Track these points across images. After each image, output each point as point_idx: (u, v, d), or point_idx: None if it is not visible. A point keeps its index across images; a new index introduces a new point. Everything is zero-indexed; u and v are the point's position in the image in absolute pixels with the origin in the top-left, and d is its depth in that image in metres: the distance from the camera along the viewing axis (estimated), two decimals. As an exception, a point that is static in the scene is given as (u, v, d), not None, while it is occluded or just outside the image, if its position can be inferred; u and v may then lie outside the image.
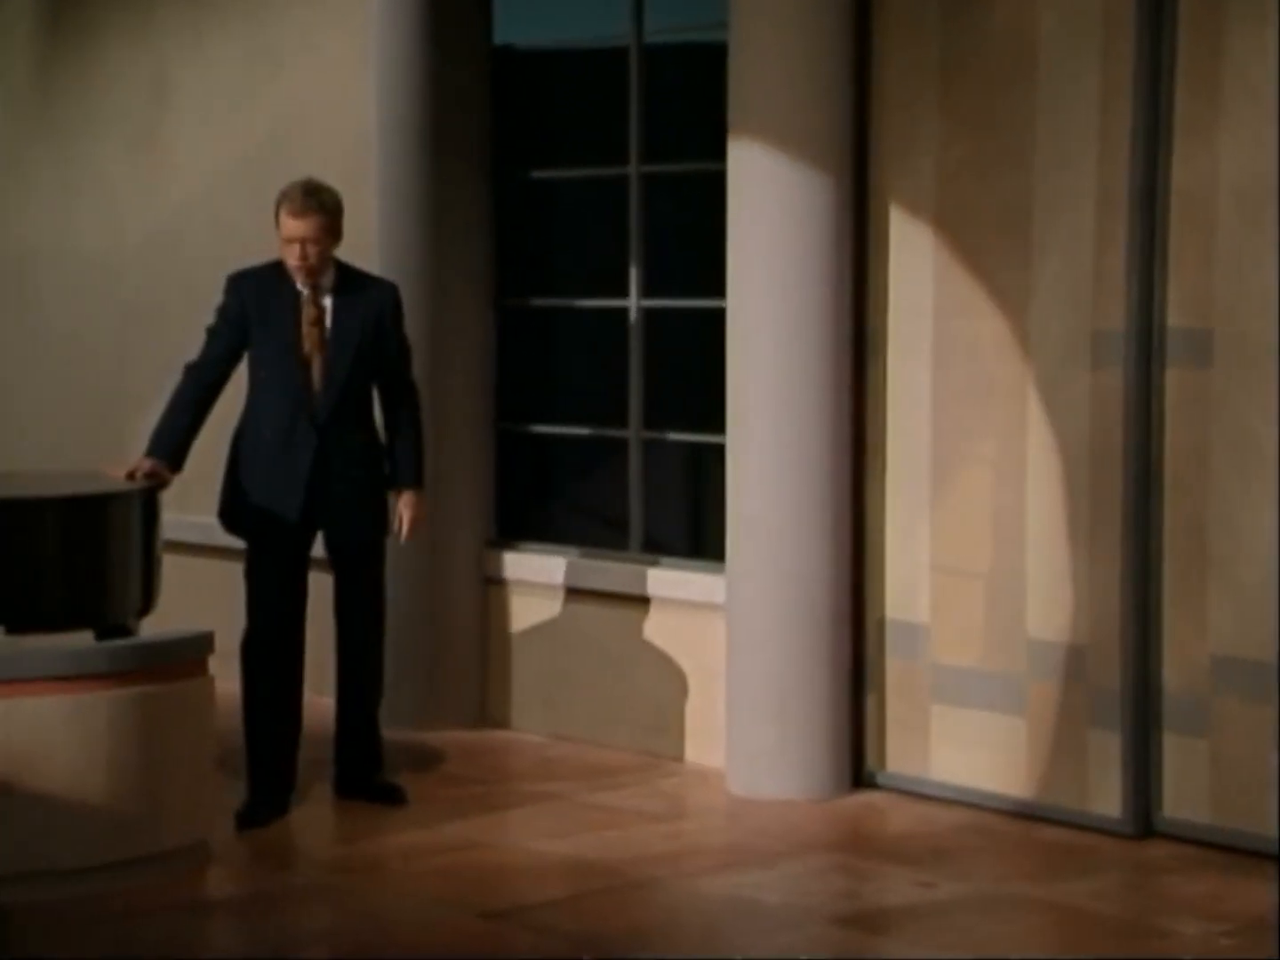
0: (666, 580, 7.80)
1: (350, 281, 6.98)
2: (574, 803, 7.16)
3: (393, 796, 7.11)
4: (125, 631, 6.76)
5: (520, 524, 8.39)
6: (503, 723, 8.25)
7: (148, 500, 6.79)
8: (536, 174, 8.32)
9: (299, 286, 6.90)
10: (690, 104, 7.86)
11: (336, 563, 7.07)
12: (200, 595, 8.35)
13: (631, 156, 7.95)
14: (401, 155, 8.13)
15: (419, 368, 7.24)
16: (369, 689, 7.17)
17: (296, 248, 6.82)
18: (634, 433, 8.02)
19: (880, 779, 7.27)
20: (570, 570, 8.07)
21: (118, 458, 7.31)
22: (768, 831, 6.78)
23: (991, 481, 6.93)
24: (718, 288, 7.32)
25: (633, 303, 7.99)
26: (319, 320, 6.91)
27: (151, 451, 6.89)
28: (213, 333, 6.98)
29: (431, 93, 8.08)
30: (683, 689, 7.75)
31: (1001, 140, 6.83)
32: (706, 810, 7.15)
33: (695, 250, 7.79)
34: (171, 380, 7.02)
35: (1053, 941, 5.80)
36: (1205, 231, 6.43)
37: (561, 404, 8.32)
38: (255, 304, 6.91)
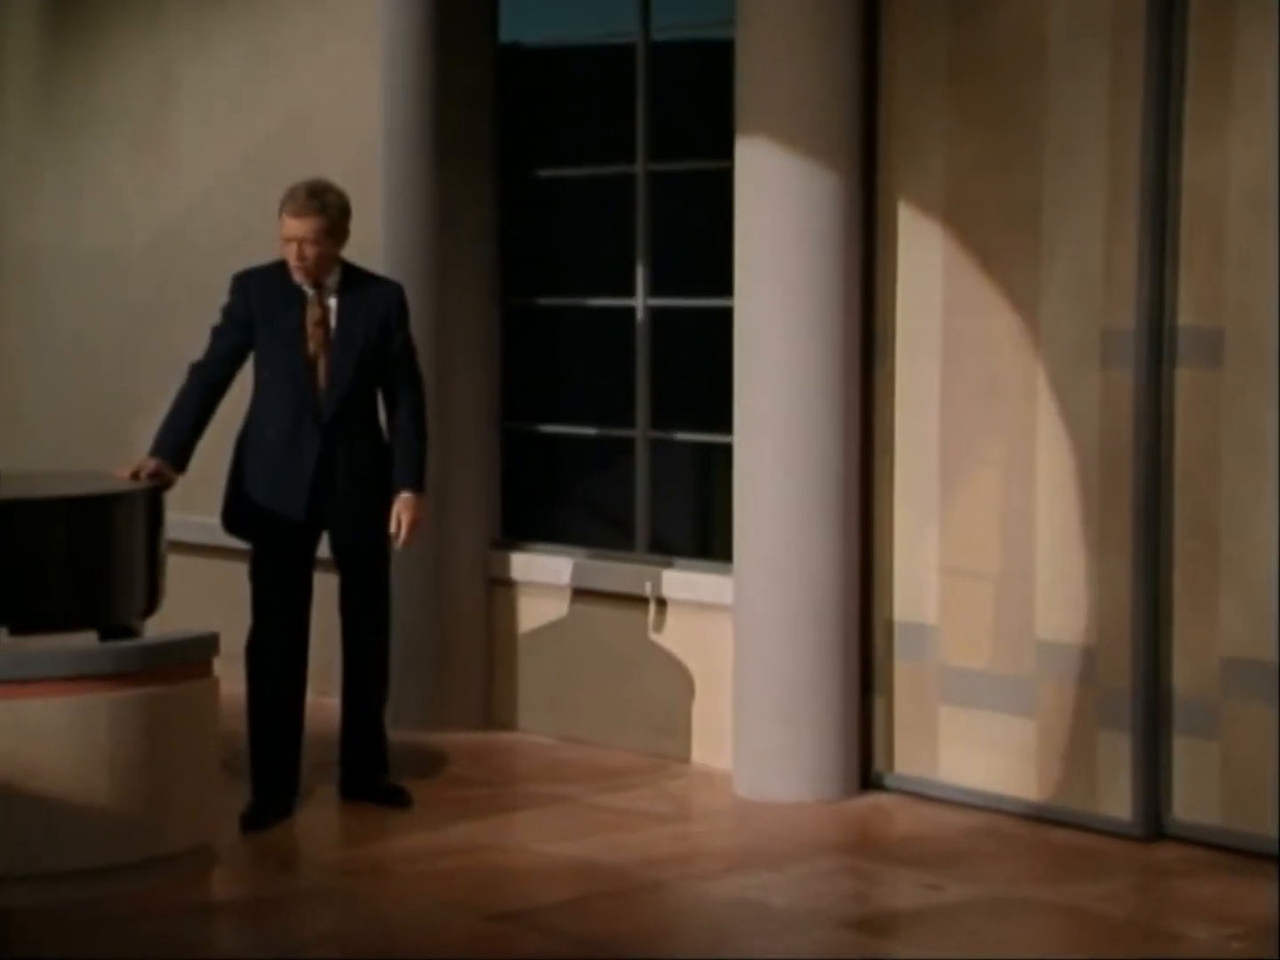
0: (673, 581, 7.77)
1: (355, 281, 6.96)
2: (581, 804, 7.15)
3: (398, 799, 7.09)
4: (129, 632, 6.75)
5: (526, 524, 8.38)
6: (509, 724, 8.24)
7: (152, 500, 6.78)
8: (543, 172, 8.31)
9: (304, 286, 6.88)
10: (697, 101, 7.85)
11: (341, 564, 7.05)
12: (205, 596, 8.34)
13: (638, 155, 7.94)
14: (407, 154, 8.12)
15: (424, 367, 7.21)
16: (374, 690, 7.16)
17: (294, 247, 6.81)
18: (640, 432, 8.01)
19: (888, 781, 7.24)
20: (576, 571, 8.05)
21: (122, 457, 7.29)
22: (775, 834, 6.77)
23: (1000, 482, 6.91)
24: (725, 287, 7.30)
25: (639, 302, 7.97)
26: (323, 320, 6.90)
27: (156, 451, 6.88)
28: (218, 332, 6.98)
29: (437, 91, 8.07)
30: (690, 690, 7.74)
31: (1011, 137, 6.81)
32: (714, 812, 7.15)
33: (702, 249, 7.77)
34: (176, 380, 7.01)
35: (1062, 945, 5.77)
36: (1216, 230, 6.42)
37: (568, 404, 8.31)
38: (260, 304, 6.90)
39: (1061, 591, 6.77)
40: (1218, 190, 6.40)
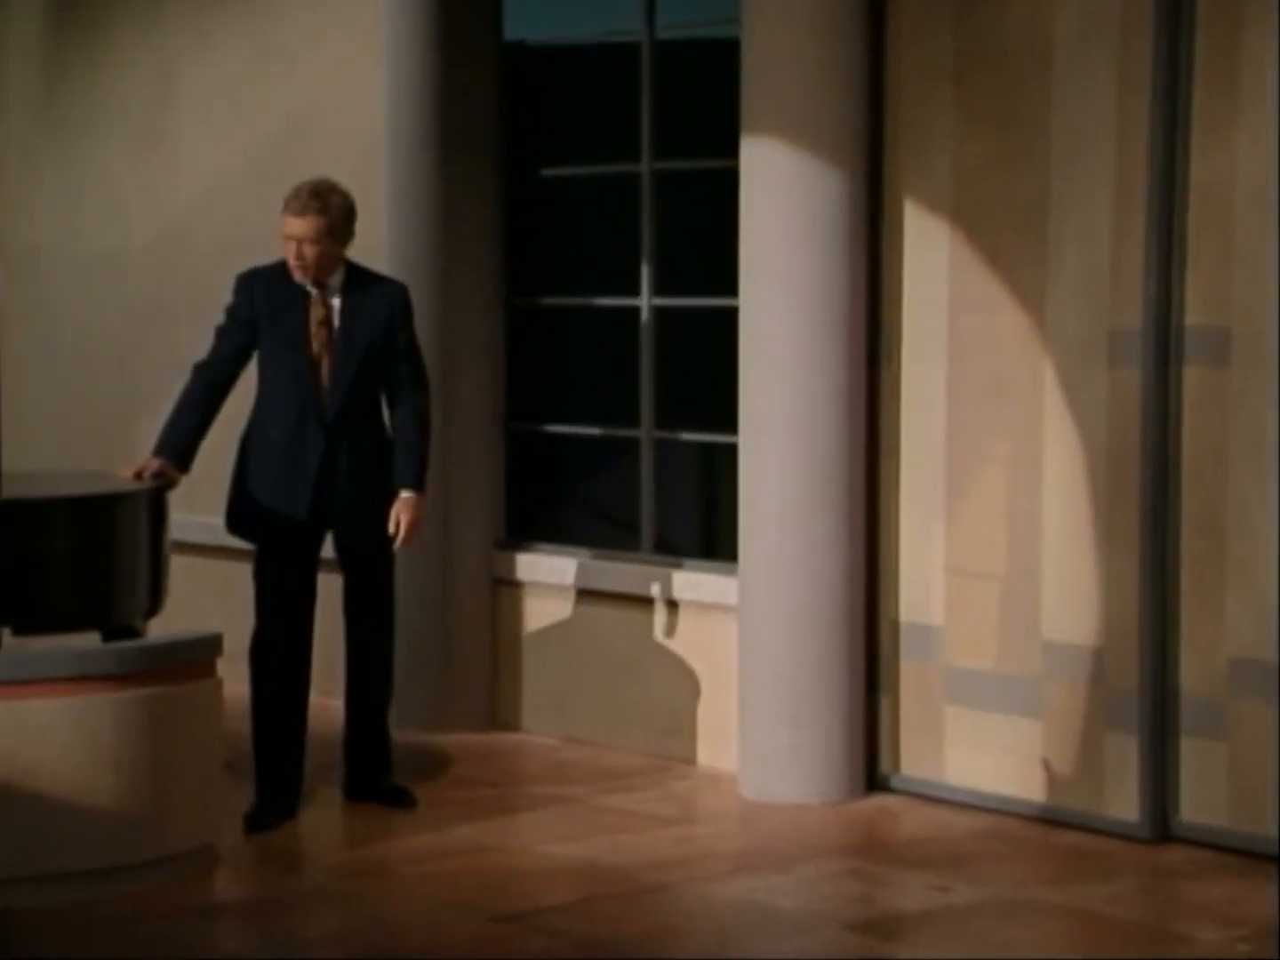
0: (678, 581, 7.75)
1: (359, 281, 6.95)
2: (585, 806, 7.14)
3: (402, 799, 7.08)
4: (133, 633, 6.75)
5: (531, 525, 8.37)
6: (513, 725, 8.23)
7: (155, 500, 6.77)
8: (547, 171, 8.29)
9: (307, 286, 6.87)
10: (702, 100, 7.84)
11: (345, 564, 7.04)
12: (208, 596, 8.33)
13: (643, 153, 7.93)
14: (411, 153, 8.11)
15: (429, 367, 7.18)
16: (378, 691, 7.14)
17: (293, 246, 6.81)
18: (645, 432, 7.99)
19: (894, 782, 7.23)
20: (581, 571, 8.03)
21: (125, 457, 7.29)
22: (781, 835, 6.75)
23: (1007, 481, 6.90)
24: (730, 286, 7.29)
25: (644, 301, 7.96)
26: (327, 320, 6.89)
27: (159, 451, 6.87)
28: (221, 332, 6.97)
29: (441, 90, 8.06)
30: (695, 691, 7.72)
31: (1018, 137, 6.80)
32: (719, 814, 7.13)
33: (707, 248, 7.77)
34: (178, 379, 7.00)
35: (1069, 947, 5.76)
36: (1223, 229, 6.40)
37: (572, 403, 8.30)
38: (264, 303, 6.89)
39: (1068, 592, 6.75)
40: (1225, 189, 6.39)
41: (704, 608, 7.67)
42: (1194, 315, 6.47)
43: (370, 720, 7.13)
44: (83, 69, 9.67)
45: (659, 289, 7.93)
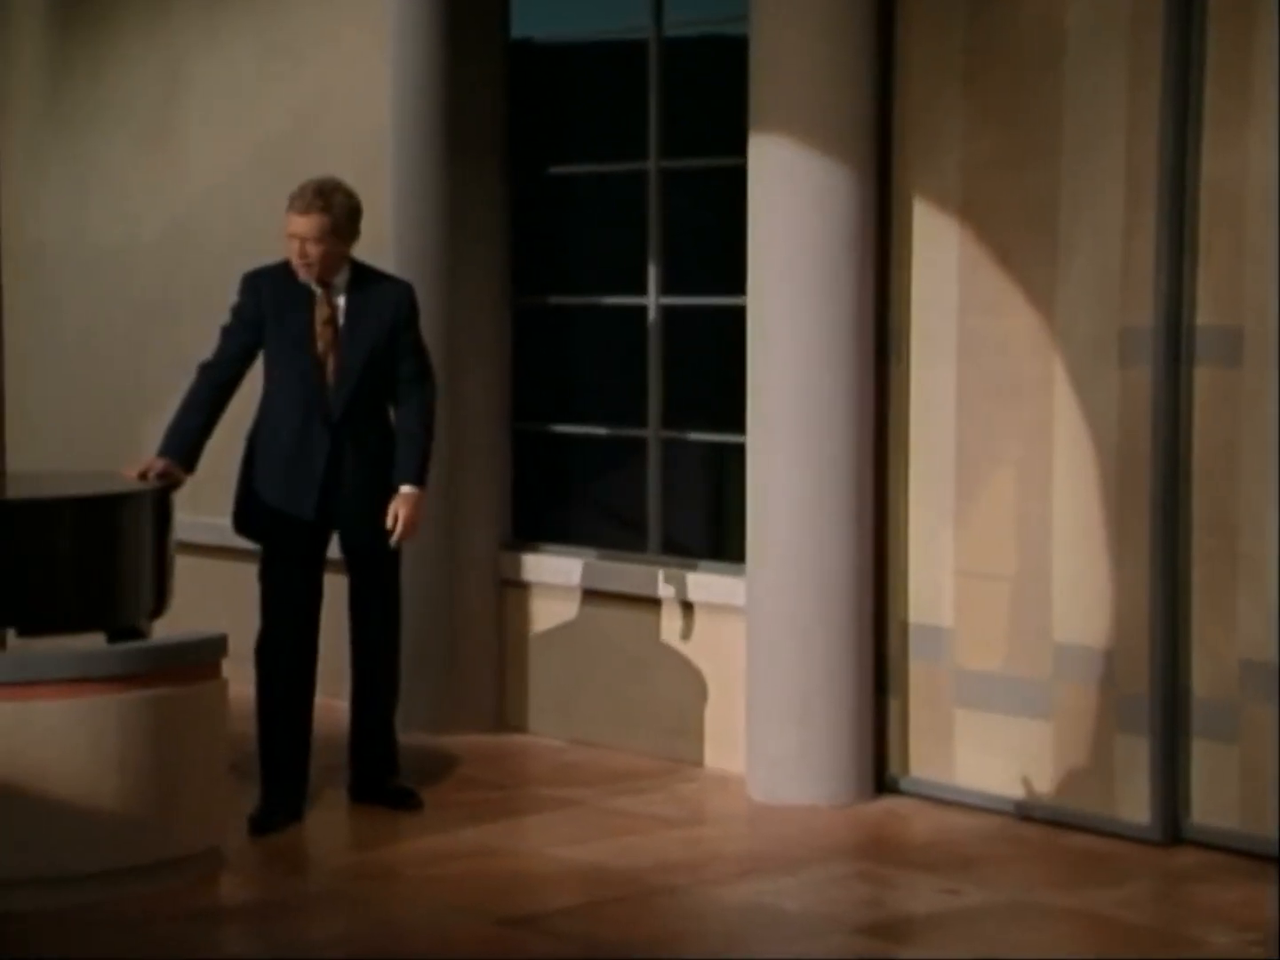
0: (686, 582, 7.73)
1: (364, 280, 6.94)
2: (592, 808, 7.12)
3: (408, 801, 7.06)
4: (137, 634, 6.73)
5: (537, 525, 8.35)
6: (520, 727, 8.21)
7: (160, 501, 6.76)
8: (554, 169, 8.28)
9: (312, 285, 6.85)
10: (710, 98, 7.82)
11: (351, 564, 7.02)
12: (213, 597, 8.32)
13: (650, 152, 7.91)
14: (417, 150, 8.09)
15: (435, 366, 7.16)
16: (384, 692, 7.13)
17: (297, 245, 6.80)
18: (652, 432, 7.97)
19: (903, 784, 7.21)
20: (588, 572, 8.01)
21: (130, 457, 7.27)
22: (789, 838, 6.74)
23: (1017, 482, 6.87)
24: (738, 285, 7.27)
25: (651, 300, 7.94)
26: (332, 319, 6.88)
27: (164, 451, 6.85)
28: (227, 332, 6.96)
29: (448, 87, 8.05)
30: (702, 693, 7.70)
31: (1028, 134, 6.77)
32: (727, 816, 7.12)
33: (715, 247, 7.75)
34: (184, 378, 6.99)
35: (1080, 950, 5.73)
36: (1235, 226, 6.38)
37: (579, 403, 8.28)
38: (270, 303, 6.89)
39: (1078, 593, 6.73)
40: (1237, 186, 6.37)
41: (712, 608, 7.65)
42: (1205, 314, 6.45)
43: (376, 722, 7.11)
44: (88, 66, 9.66)
45: (666, 288, 7.91)
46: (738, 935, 5.88)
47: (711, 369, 7.86)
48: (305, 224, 6.77)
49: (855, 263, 7.01)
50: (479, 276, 8.17)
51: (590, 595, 8.03)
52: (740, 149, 7.20)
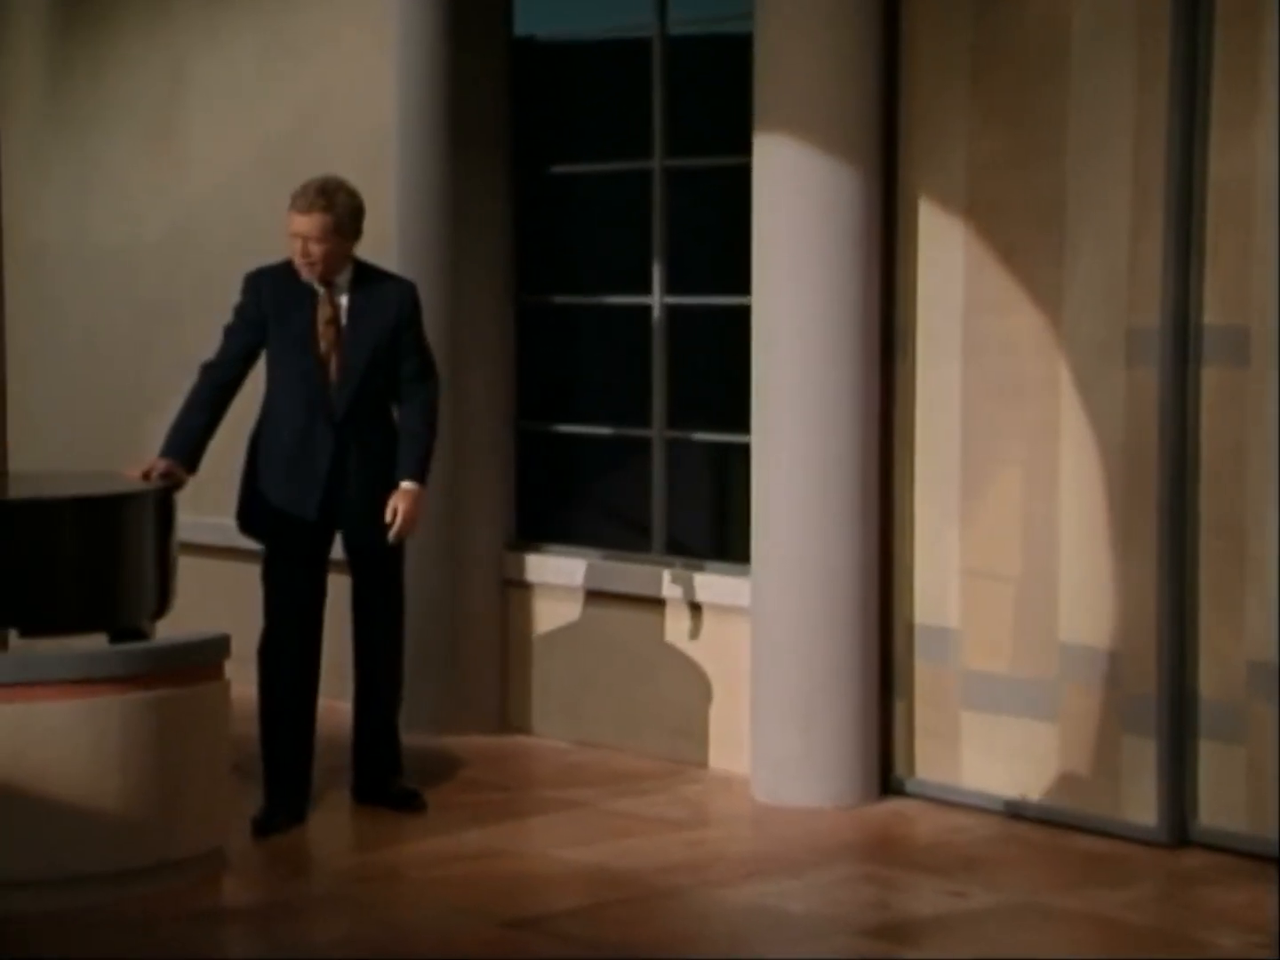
0: (690, 583, 7.70)
1: (367, 280, 6.93)
2: (596, 810, 7.11)
3: (412, 803, 7.04)
4: (140, 634, 6.72)
5: (541, 525, 8.33)
6: (523, 728, 8.19)
7: (163, 501, 6.74)
8: (557, 168, 8.26)
9: (314, 285, 6.83)
10: (715, 97, 7.81)
11: (355, 564, 7.00)
12: (216, 598, 8.30)
13: (655, 150, 7.89)
14: (421, 149, 8.08)
15: (438, 365, 7.14)
16: (388, 693, 7.11)
17: (299, 244, 6.79)
18: (657, 432, 7.95)
19: (909, 786, 7.19)
20: (592, 572, 7.99)
21: (132, 457, 7.25)
22: (793, 840, 6.73)
23: (1023, 483, 6.86)
24: (742, 284, 7.26)
25: (656, 299, 7.92)
26: (334, 319, 6.87)
27: (167, 451, 6.84)
28: (230, 332, 6.96)
29: (452, 85, 8.04)
30: (706, 694, 7.69)
31: (1034, 133, 6.76)
32: (731, 818, 7.10)
33: (720, 246, 7.74)
34: (187, 378, 6.98)
35: (1086, 953, 5.72)
36: (1242, 227, 6.37)
37: (583, 403, 8.27)
38: (272, 303, 6.88)
39: (1085, 594, 6.71)
40: (1244, 186, 6.35)
41: (716, 609, 7.63)
42: (1213, 314, 6.43)
43: (379, 723, 7.10)
44: (90, 66, 9.65)
45: (670, 287, 7.89)
46: (742, 937, 5.86)
47: (716, 368, 7.84)
48: (307, 223, 6.76)
49: (860, 262, 6.99)
50: (482, 275, 8.16)
51: (594, 596, 8.01)
52: (745, 148, 7.18)
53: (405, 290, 6.99)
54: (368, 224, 6.91)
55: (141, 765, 5.98)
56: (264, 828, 6.73)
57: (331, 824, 6.92)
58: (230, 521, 7.04)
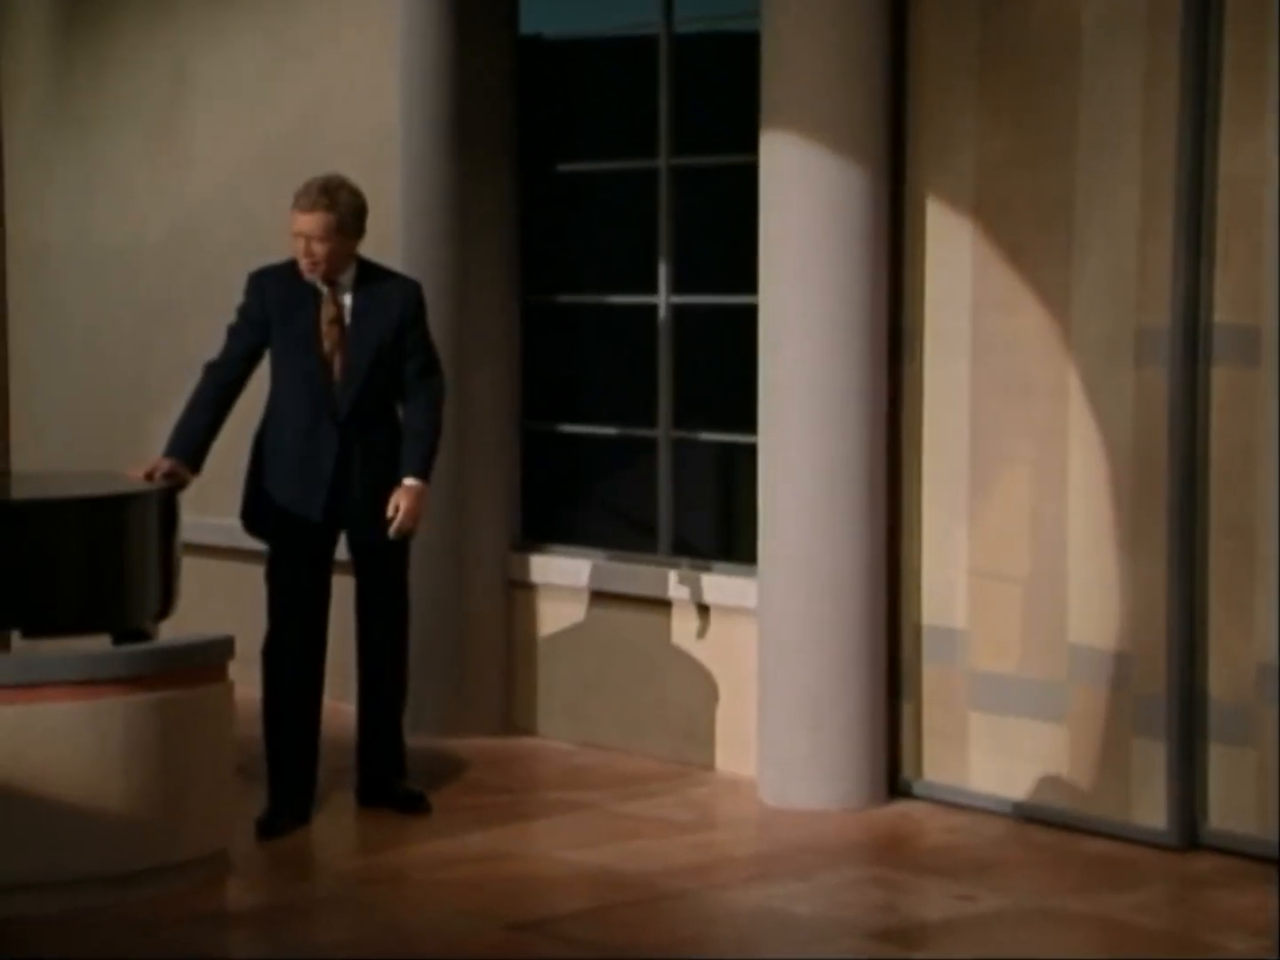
0: (697, 583, 7.68)
1: (371, 279, 6.92)
2: (602, 812, 7.10)
3: (416, 805, 7.03)
4: (143, 635, 6.71)
5: (546, 526, 8.32)
6: (529, 730, 8.18)
7: (166, 501, 6.73)
8: (563, 167, 8.25)
9: (317, 284, 6.81)
10: (721, 95, 7.81)
11: (359, 565, 6.98)
12: (220, 598, 8.30)
13: (661, 149, 7.89)
14: (425, 147, 8.07)
15: (443, 364, 7.12)
16: (392, 694, 7.10)
17: (302, 243, 6.78)
18: (663, 432, 7.94)
19: (917, 788, 7.17)
20: (597, 573, 7.97)
21: (135, 457, 7.24)
22: (800, 842, 6.71)
23: (1031, 483, 6.84)
24: (749, 284, 7.25)
25: (662, 299, 7.91)
26: (338, 318, 6.86)
27: (170, 451, 6.83)
28: (233, 331, 6.94)
29: (456, 84, 8.03)
30: (713, 695, 7.67)
31: (1043, 133, 6.75)
32: (738, 820, 7.09)
33: (726, 245, 7.73)
34: (190, 377, 6.97)
35: (1095, 957, 5.70)
36: (1252, 226, 6.36)
37: (589, 403, 8.26)
38: (276, 302, 6.86)
39: (1094, 595, 6.69)
40: (1254, 185, 6.33)
41: (723, 610, 7.61)
42: (1222, 313, 6.41)
43: (384, 724, 7.08)
44: (93, 66, 9.64)
45: (677, 286, 7.88)
46: (748, 940, 5.84)
47: (722, 368, 7.83)
48: (310, 222, 6.74)
49: (868, 261, 6.97)
50: (487, 274, 8.14)
51: (600, 597, 8.00)
52: (752, 146, 7.17)
53: (409, 289, 6.98)
54: (371, 224, 6.89)
55: (145, 767, 5.97)
56: (268, 829, 6.72)
57: (336, 826, 6.91)
58: (234, 522, 7.03)
